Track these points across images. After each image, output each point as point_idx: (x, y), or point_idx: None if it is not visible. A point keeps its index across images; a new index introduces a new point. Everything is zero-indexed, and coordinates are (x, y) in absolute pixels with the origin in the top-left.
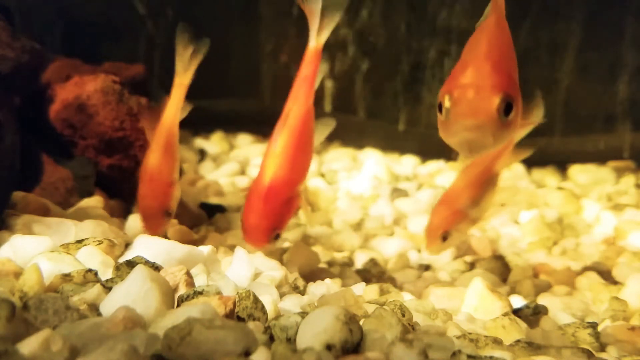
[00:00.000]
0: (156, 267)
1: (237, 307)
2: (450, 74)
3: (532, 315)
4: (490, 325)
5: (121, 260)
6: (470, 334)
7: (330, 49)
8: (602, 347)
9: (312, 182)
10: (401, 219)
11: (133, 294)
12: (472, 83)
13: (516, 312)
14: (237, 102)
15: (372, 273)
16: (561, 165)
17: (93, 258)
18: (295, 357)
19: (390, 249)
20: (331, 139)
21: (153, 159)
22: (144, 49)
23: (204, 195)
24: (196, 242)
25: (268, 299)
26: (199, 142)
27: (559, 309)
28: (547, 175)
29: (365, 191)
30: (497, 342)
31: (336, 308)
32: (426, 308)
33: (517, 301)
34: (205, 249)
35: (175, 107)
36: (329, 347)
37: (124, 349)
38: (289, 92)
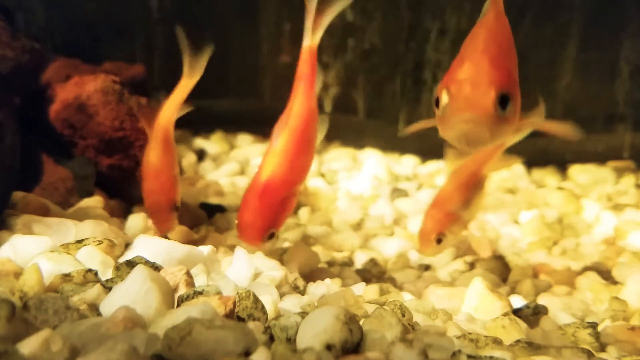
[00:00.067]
0: (156, 267)
1: (237, 307)
2: (448, 70)
3: (532, 315)
4: (490, 325)
5: (121, 260)
6: (470, 334)
7: (331, 49)
8: (602, 347)
9: (312, 182)
10: (401, 219)
11: (133, 294)
12: (469, 78)
13: (516, 312)
14: (237, 102)
15: (372, 273)
16: (561, 165)
17: (93, 258)
18: (295, 357)
19: (390, 249)
20: (331, 139)
21: (155, 155)
22: (143, 49)
23: (204, 195)
24: (196, 242)
25: (268, 299)
26: (199, 142)
27: (559, 309)
28: (547, 175)
29: (365, 191)
30: (497, 342)
31: (336, 308)
32: (426, 308)
33: (517, 301)
34: (205, 249)
35: (173, 106)
36: (329, 347)
37: (124, 349)
38: (289, 91)
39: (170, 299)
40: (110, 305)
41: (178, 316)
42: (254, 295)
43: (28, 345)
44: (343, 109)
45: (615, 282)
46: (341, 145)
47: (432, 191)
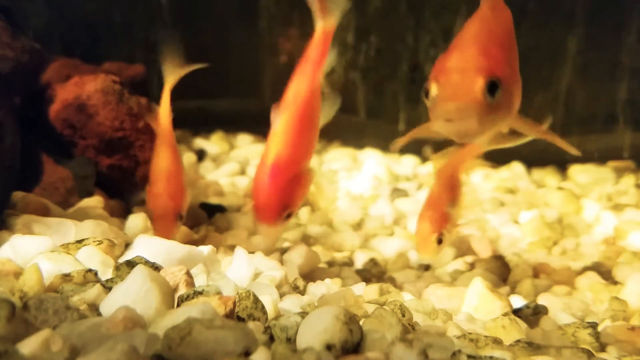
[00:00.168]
0: (156, 267)
1: (237, 307)
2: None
3: (532, 315)
4: (490, 325)
5: (121, 260)
6: (470, 334)
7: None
8: (602, 347)
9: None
10: (401, 219)
11: (133, 294)
12: (456, 66)
13: (516, 312)
14: (237, 102)
15: (372, 273)
16: (561, 165)
17: (93, 258)
18: (295, 357)
19: (390, 249)
20: (331, 139)
21: (166, 160)
22: (143, 49)
23: (204, 195)
24: (196, 242)
25: (268, 299)
26: (199, 142)
27: (559, 309)
28: (547, 175)
29: (365, 191)
30: (497, 342)
31: (336, 308)
32: (426, 308)
33: (517, 301)
34: (205, 249)
35: (168, 110)
36: (329, 347)
37: (124, 349)
38: None
39: (170, 299)
40: (110, 305)
41: (178, 316)
42: (254, 295)
43: (28, 345)
44: (343, 109)
45: (615, 282)
46: (341, 145)
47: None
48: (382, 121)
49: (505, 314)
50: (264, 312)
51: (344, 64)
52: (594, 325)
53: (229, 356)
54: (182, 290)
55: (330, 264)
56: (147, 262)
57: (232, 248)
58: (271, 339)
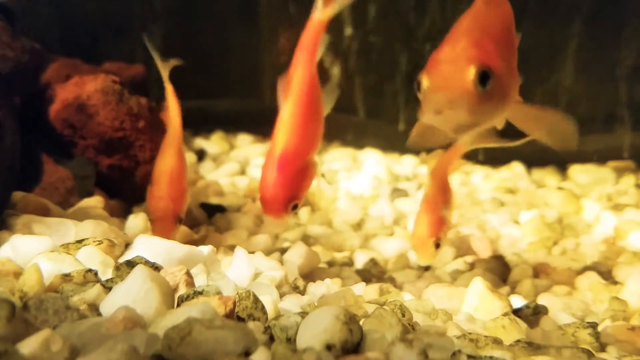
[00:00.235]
0: (156, 267)
1: (237, 307)
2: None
3: (532, 315)
4: (490, 325)
5: (121, 260)
6: (470, 334)
7: (331, 49)
8: (602, 347)
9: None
10: (401, 219)
11: (133, 294)
12: (447, 58)
13: (516, 312)
14: (237, 102)
15: (372, 273)
16: (561, 165)
17: (93, 258)
18: (295, 357)
19: (390, 249)
20: (331, 139)
21: (171, 162)
22: (143, 49)
23: (204, 195)
24: (196, 242)
25: (268, 299)
26: (199, 142)
27: (559, 309)
28: (547, 175)
29: (365, 191)
30: (497, 342)
31: (336, 308)
32: (426, 308)
33: (517, 301)
34: (205, 249)
35: (178, 113)
36: (329, 347)
37: (124, 349)
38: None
39: (170, 299)
40: (110, 305)
41: (178, 316)
42: (254, 295)
43: (28, 345)
44: (343, 109)
45: (615, 282)
46: (341, 145)
47: None
48: (382, 121)
49: (505, 314)
50: (264, 312)
51: (343, 64)
52: (594, 325)
53: (229, 356)
54: (182, 290)
55: (330, 264)
56: (147, 262)
57: (232, 248)
58: (271, 339)
